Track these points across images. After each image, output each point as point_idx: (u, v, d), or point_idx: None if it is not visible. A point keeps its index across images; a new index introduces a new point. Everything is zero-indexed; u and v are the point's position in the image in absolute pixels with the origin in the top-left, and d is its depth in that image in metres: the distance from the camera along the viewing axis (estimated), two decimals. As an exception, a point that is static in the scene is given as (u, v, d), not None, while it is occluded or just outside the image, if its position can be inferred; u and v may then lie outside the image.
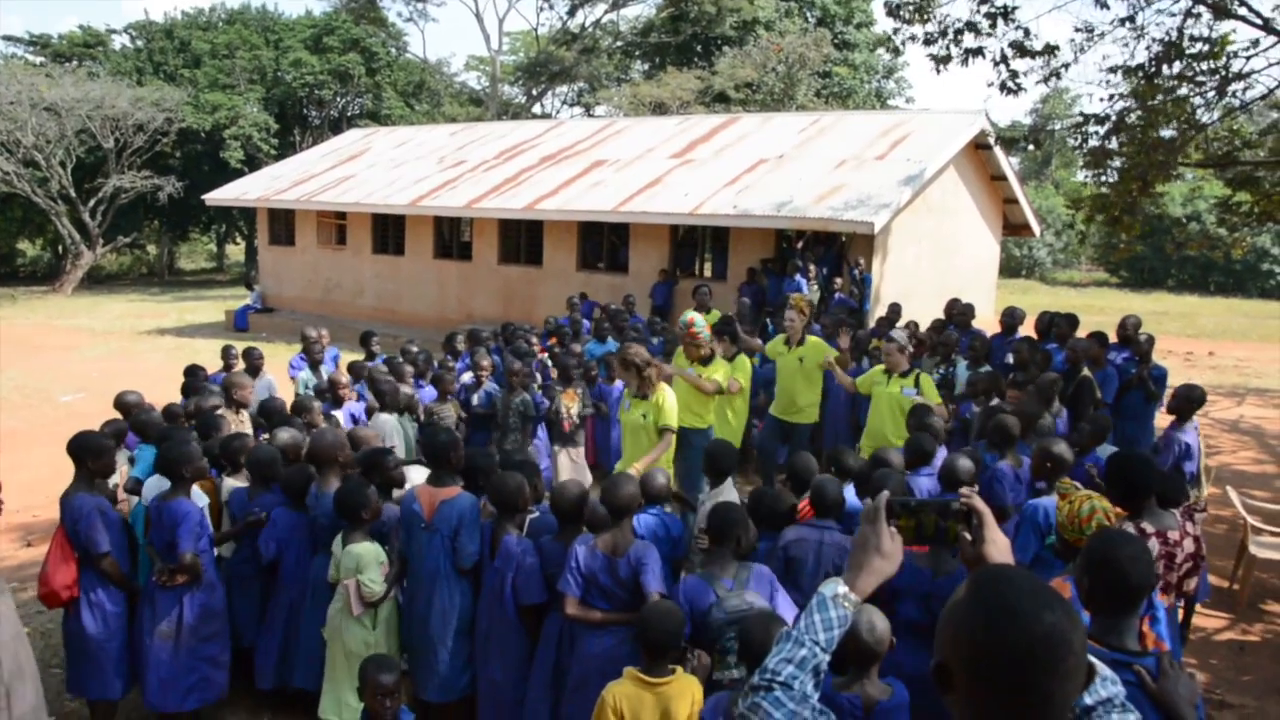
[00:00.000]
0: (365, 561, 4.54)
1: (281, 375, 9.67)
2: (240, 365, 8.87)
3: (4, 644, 4.08)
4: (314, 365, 9.20)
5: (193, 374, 8.10)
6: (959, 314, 10.18)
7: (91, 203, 32.65)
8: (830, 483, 4.66)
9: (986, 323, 11.88)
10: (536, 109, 41.35)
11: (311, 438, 5.47)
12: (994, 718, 1.41)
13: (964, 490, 1.99)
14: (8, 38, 37.93)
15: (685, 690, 3.59)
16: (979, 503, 1.95)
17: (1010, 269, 33.95)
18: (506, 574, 4.51)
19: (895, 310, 10.47)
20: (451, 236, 20.39)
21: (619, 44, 39.21)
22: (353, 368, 8.68)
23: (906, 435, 6.53)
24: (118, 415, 6.78)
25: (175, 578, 4.63)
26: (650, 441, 6.25)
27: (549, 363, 9.35)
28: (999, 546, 1.92)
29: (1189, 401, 6.94)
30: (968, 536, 1.94)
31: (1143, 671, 2.55)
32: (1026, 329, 9.70)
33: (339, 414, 7.42)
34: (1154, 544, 3.72)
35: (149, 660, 4.69)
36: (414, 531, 4.71)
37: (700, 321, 7.24)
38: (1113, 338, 8.81)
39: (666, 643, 3.59)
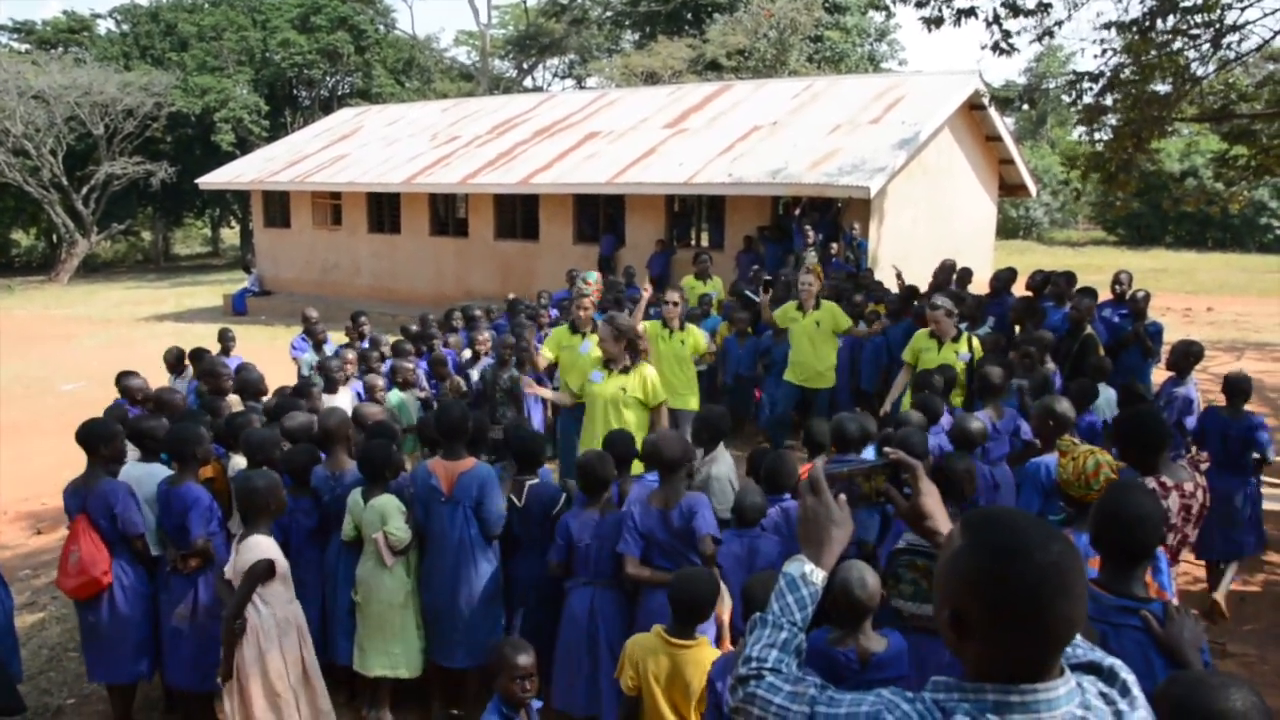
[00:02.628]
0: (388, 512, 4.62)
1: (284, 357, 9.71)
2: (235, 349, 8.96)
3: (289, 650, 4.28)
4: (317, 346, 9.24)
5: (198, 358, 8.12)
6: (959, 277, 10.16)
7: (84, 190, 32.55)
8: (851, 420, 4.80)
9: (984, 286, 11.88)
10: (528, 82, 41.18)
11: (321, 416, 5.49)
12: (1018, 652, 1.45)
13: (888, 449, 2.03)
14: (-8, 25, 37.54)
15: (703, 659, 3.59)
16: (907, 458, 1.99)
17: (1007, 230, 33.84)
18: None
19: (910, 290, 10.09)
20: (447, 213, 20.33)
21: (608, 14, 38.92)
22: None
23: (961, 399, 6.81)
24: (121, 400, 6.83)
25: (188, 562, 4.67)
26: (625, 415, 6.02)
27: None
28: (934, 496, 1.98)
29: (1187, 356, 6.97)
30: (900, 491, 1.99)
31: (1149, 616, 2.62)
32: (1020, 289, 9.70)
33: (344, 394, 7.40)
34: (1174, 497, 3.75)
35: (168, 642, 4.75)
36: (433, 505, 4.72)
37: (595, 280, 7.20)
38: (1106, 294, 8.81)
39: (693, 608, 3.61)
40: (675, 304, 7.76)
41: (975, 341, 7.31)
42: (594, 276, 7.33)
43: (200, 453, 4.88)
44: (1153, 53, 9.50)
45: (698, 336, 7.78)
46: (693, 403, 7.76)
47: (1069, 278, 9.15)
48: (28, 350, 17.04)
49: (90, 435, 4.75)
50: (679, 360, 7.77)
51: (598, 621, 4.42)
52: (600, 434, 5.71)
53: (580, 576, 4.52)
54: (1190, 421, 6.80)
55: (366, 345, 8.97)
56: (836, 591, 3.32)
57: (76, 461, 4.81)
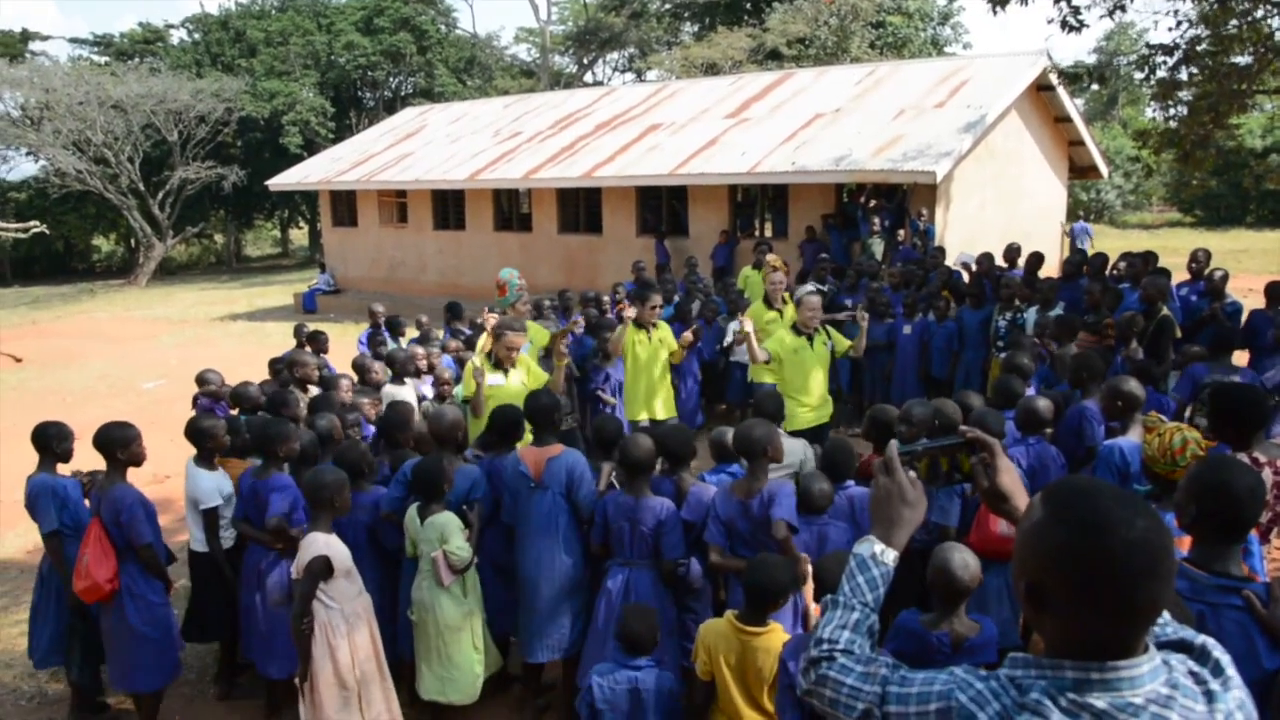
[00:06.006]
0: (449, 530, 4.49)
1: (354, 352, 9.88)
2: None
3: (359, 645, 4.28)
4: (395, 338, 9.39)
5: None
6: (1029, 262, 9.97)
7: (160, 195, 33.56)
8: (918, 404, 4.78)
9: (1055, 270, 11.64)
10: (588, 77, 41.27)
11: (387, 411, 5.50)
12: (1099, 631, 1.40)
13: (964, 427, 1.98)
14: (74, 40, 39.00)
15: (774, 646, 3.56)
16: (985, 436, 1.94)
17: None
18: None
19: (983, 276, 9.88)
20: (511, 208, 20.51)
21: (667, 7, 38.81)
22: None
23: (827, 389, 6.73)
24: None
25: (277, 544, 4.79)
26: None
27: None
28: (1012, 474, 1.93)
29: None
30: (982, 469, 1.94)
31: (1252, 596, 2.52)
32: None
33: (409, 388, 7.41)
34: (1268, 474, 3.64)
35: (262, 632, 4.87)
36: (521, 492, 4.74)
37: (504, 279, 7.17)
38: (1181, 275, 8.54)
39: (765, 595, 3.59)
40: (656, 307, 7.52)
41: (834, 332, 6.99)
42: (516, 272, 7.45)
43: (284, 450, 4.94)
44: (1232, 23, 9.18)
45: (669, 336, 7.64)
46: (665, 410, 7.64)
47: (1146, 258, 8.89)
48: (110, 351, 17.62)
49: (106, 441, 4.71)
50: (658, 363, 7.56)
51: (630, 601, 4.40)
52: None
53: (617, 557, 4.54)
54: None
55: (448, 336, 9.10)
56: (935, 572, 3.30)
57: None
